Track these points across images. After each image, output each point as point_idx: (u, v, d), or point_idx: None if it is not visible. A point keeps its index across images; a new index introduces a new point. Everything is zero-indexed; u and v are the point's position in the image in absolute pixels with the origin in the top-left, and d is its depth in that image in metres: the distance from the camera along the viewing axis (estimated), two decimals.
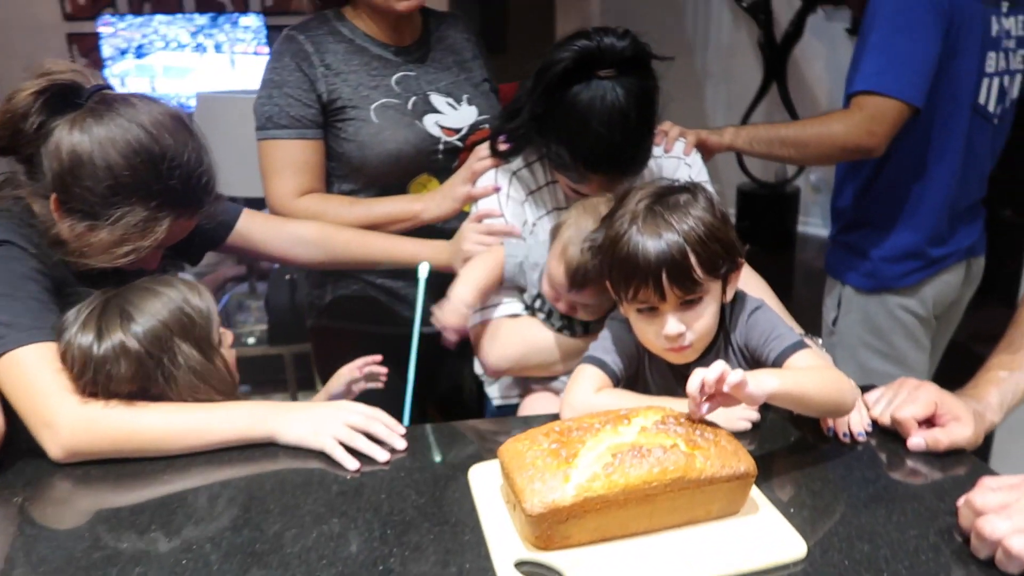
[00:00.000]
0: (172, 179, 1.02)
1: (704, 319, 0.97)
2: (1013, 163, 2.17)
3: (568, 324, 1.21)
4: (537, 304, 1.24)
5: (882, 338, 1.70)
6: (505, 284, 1.24)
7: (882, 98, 1.48)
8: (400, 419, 1.05)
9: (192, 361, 1.02)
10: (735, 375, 0.79)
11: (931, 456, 0.93)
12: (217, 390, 1.05)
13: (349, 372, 1.31)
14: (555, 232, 1.16)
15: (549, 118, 1.14)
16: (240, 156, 2.23)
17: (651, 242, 0.92)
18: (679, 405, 0.91)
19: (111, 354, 0.98)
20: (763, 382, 0.81)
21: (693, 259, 0.92)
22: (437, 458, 1.00)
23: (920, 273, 1.67)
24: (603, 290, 1.06)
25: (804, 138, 1.59)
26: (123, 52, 5.02)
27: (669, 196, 0.96)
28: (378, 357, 1.30)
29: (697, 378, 0.80)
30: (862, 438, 0.97)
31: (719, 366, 0.80)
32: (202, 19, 5.55)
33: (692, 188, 0.98)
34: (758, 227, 4.60)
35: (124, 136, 1.00)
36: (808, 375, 0.91)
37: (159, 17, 5.55)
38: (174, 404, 1.01)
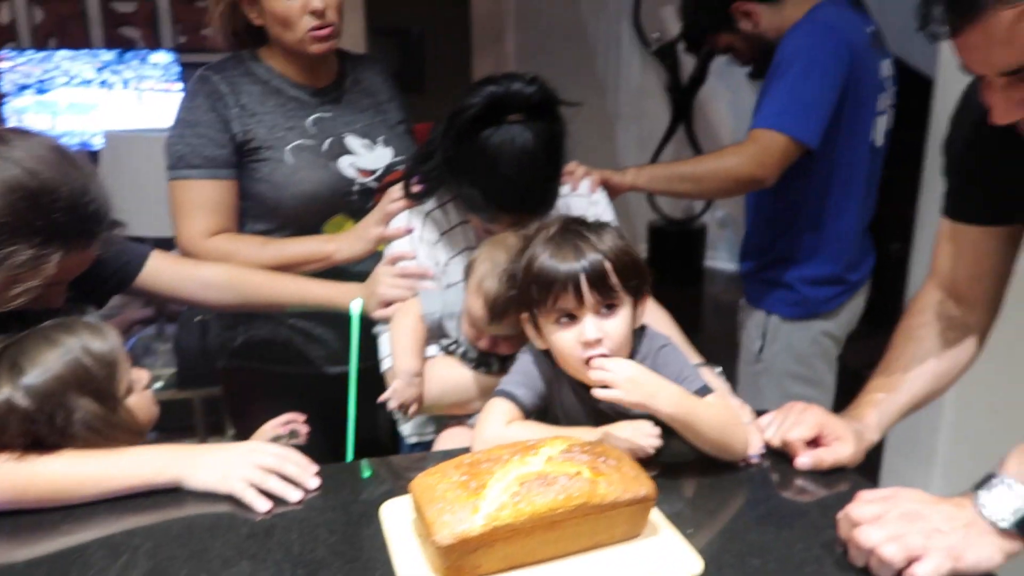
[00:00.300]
0: (55, 213, 0.99)
1: (620, 328, 1.00)
2: (900, 199, 2.34)
3: (484, 361, 1.23)
4: (452, 347, 1.26)
5: (805, 363, 1.81)
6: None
7: (776, 134, 1.61)
8: (344, 456, 1.05)
9: (88, 415, 0.98)
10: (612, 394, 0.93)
11: (817, 474, 0.99)
12: (119, 441, 1.01)
13: (272, 429, 1.27)
14: (468, 270, 1.18)
15: (461, 161, 1.18)
16: (149, 195, 2.19)
17: (570, 254, 0.98)
18: (587, 435, 0.95)
19: None
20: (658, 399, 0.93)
21: (609, 267, 0.98)
22: (350, 496, 1.00)
23: (841, 297, 1.81)
24: (519, 319, 1.10)
25: (699, 173, 1.70)
26: (23, 88, 4.83)
27: (580, 224, 1.03)
28: (301, 416, 1.27)
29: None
30: (755, 460, 1.03)
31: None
32: (108, 55, 5.42)
33: (599, 222, 1.05)
34: (668, 262, 4.76)
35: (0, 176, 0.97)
36: (707, 410, 0.98)
37: (62, 52, 5.38)
38: (75, 451, 0.98)
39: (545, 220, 1.15)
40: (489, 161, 1.14)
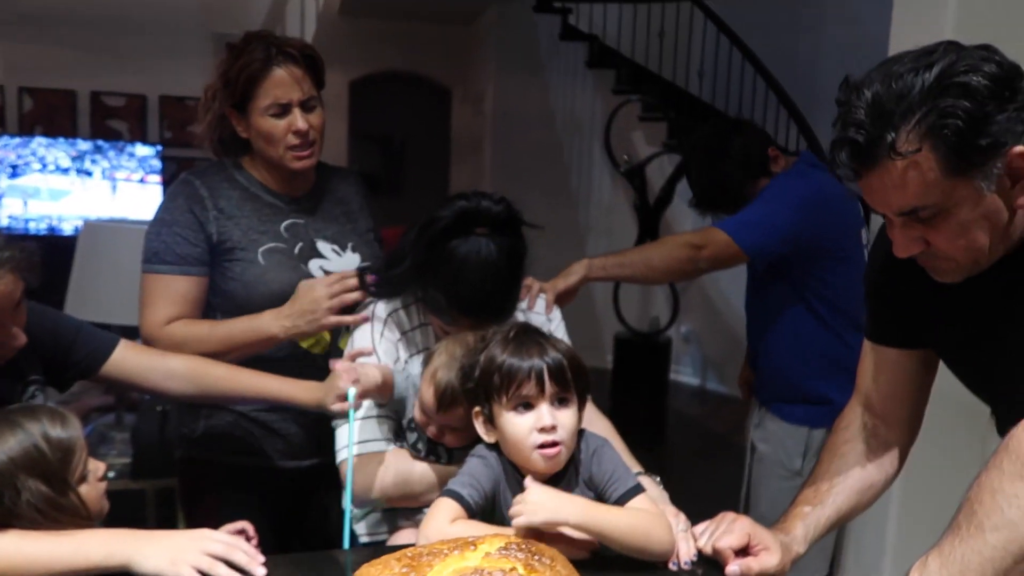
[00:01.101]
0: None
1: (571, 420, 1.09)
2: None
3: (433, 450, 1.28)
4: (406, 435, 1.30)
5: None
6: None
7: (720, 232, 1.83)
8: (341, 543, 1.09)
9: (37, 497, 1.00)
10: (527, 519, 1.01)
11: None
12: (65, 525, 1.03)
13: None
14: (427, 360, 1.25)
15: (429, 266, 1.26)
16: (122, 285, 2.24)
17: (533, 352, 1.09)
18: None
19: None
20: (563, 512, 1.02)
21: (566, 363, 1.09)
22: None
23: None
24: (468, 414, 1.16)
25: (646, 254, 1.91)
26: None
27: (536, 331, 1.14)
28: (251, 527, 1.23)
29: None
30: (687, 566, 1.07)
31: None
32: (85, 144, 5.54)
33: (551, 335, 1.16)
34: (633, 375, 4.82)
35: None
36: (623, 516, 1.06)
37: (39, 139, 5.51)
38: (23, 532, 0.99)
39: (502, 326, 1.23)
40: (455, 268, 1.22)
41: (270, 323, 1.45)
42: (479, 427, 1.13)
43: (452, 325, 1.28)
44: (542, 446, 1.07)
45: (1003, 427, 1.12)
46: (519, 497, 1.05)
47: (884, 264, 1.13)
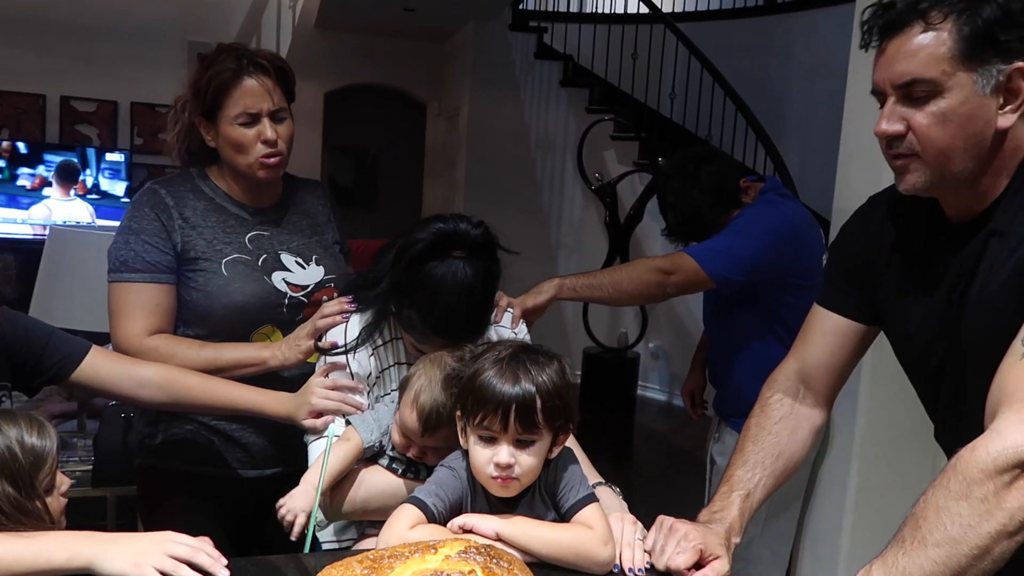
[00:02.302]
0: None
1: (532, 460, 1.10)
2: None
3: (412, 468, 1.28)
4: (381, 455, 1.31)
5: None
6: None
7: (689, 259, 1.89)
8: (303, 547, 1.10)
9: (3, 499, 1.01)
10: (464, 517, 1.07)
11: None
12: (26, 528, 1.03)
13: None
14: (404, 384, 1.26)
15: (405, 286, 1.27)
16: (89, 291, 2.23)
17: (508, 382, 1.08)
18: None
19: None
20: (490, 523, 1.07)
21: (539, 405, 1.08)
22: None
23: None
24: (452, 434, 1.17)
25: (616, 277, 1.93)
26: None
27: (531, 353, 1.13)
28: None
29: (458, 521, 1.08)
30: (631, 574, 1.10)
31: (464, 519, 1.08)
32: (53, 149, 5.50)
33: (551, 354, 1.15)
34: (601, 389, 4.87)
35: None
36: (548, 532, 1.09)
37: (6, 143, 5.44)
38: None
39: (502, 340, 1.26)
40: (431, 289, 1.24)
41: (260, 349, 1.47)
42: (459, 431, 1.15)
43: (424, 343, 1.30)
44: (498, 477, 1.09)
45: (936, 425, 1.18)
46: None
47: (856, 234, 1.21)
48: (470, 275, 1.24)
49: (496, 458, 1.08)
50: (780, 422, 1.26)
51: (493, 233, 1.30)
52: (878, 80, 1.03)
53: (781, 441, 1.25)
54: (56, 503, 1.10)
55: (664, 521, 1.14)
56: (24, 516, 1.03)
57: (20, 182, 5.48)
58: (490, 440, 1.09)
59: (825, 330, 1.26)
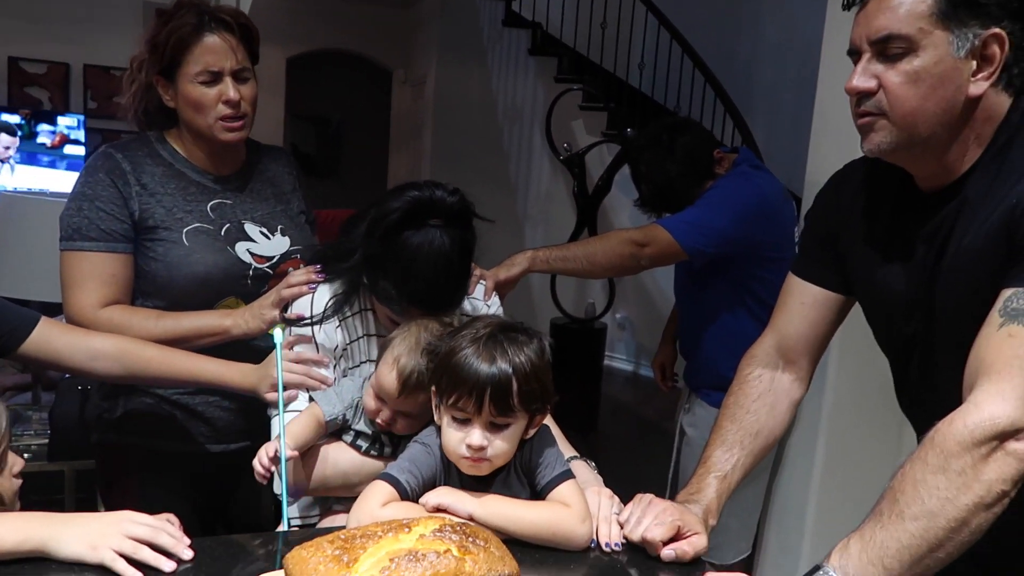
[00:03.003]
0: None
1: (506, 444, 1.08)
2: None
3: (377, 440, 1.26)
4: (343, 428, 1.28)
5: None
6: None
7: (664, 231, 1.88)
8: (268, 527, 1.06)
9: None
10: (438, 497, 1.05)
11: (675, 566, 1.06)
12: None
13: None
14: (386, 344, 1.22)
15: (380, 257, 1.23)
16: (38, 260, 2.15)
17: (484, 363, 1.04)
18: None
19: None
20: (465, 504, 1.05)
21: (515, 388, 1.05)
22: (223, 569, 1.00)
23: None
24: (426, 403, 1.15)
25: (590, 250, 1.92)
26: None
27: (511, 331, 1.10)
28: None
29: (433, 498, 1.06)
30: (608, 549, 1.09)
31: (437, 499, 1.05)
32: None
33: (531, 332, 1.12)
34: (568, 360, 4.87)
35: None
36: (524, 511, 1.07)
37: None
38: None
39: (482, 315, 1.23)
40: (407, 259, 1.20)
41: (221, 317, 1.42)
42: (433, 408, 1.12)
43: (401, 315, 1.27)
44: (469, 458, 1.07)
45: (904, 394, 1.18)
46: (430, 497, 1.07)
47: (829, 203, 1.21)
48: (447, 244, 1.21)
49: (469, 440, 1.06)
50: (759, 399, 1.25)
51: (469, 201, 1.26)
52: (855, 37, 1.02)
53: (760, 419, 1.24)
54: (8, 484, 1.04)
55: (643, 497, 1.13)
56: None
57: None
58: (464, 421, 1.07)
59: (804, 301, 1.25)
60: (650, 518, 1.08)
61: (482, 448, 1.06)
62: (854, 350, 1.91)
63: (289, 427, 1.20)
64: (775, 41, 5.19)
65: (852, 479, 2.05)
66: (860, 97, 1.02)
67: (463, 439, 1.06)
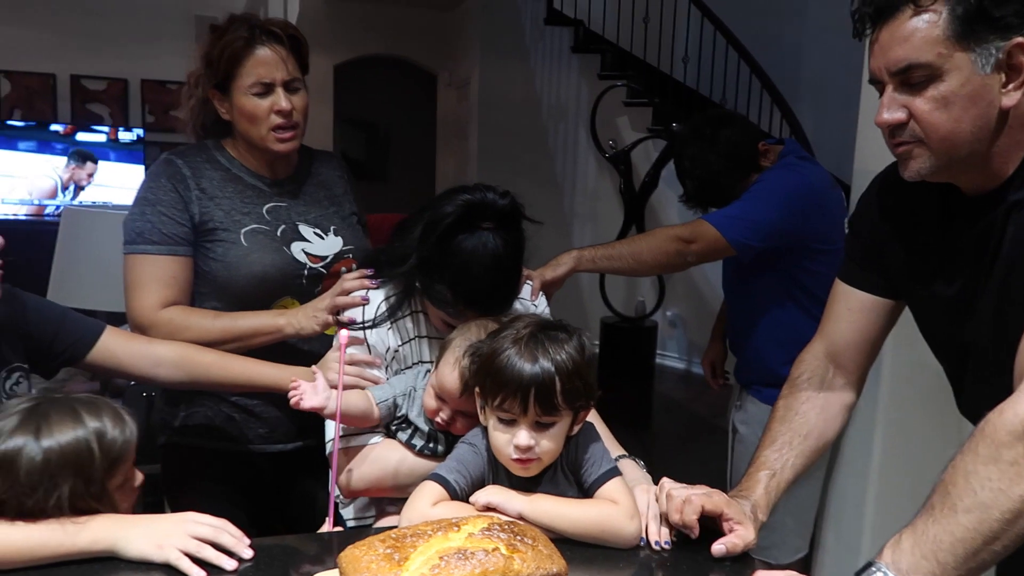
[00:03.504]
0: None
1: (552, 442, 1.09)
2: None
3: (433, 439, 1.28)
4: (400, 428, 1.31)
5: None
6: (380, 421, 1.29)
7: (711, 227, 1.85)
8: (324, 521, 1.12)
9: (63, 502, 1.00)
10: (487, 496, 1.07)
11: (721, 560, 1.05)
12: None
13: None
14: (446, 345, 1.24)
15: (434, 261, 1.25)
16: (103, 271, 2.23)
17: (527, 363, 1.06)
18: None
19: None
20: (514, 502, 1.07)
21: (559, 386, 1.06)
22: (281, 569, 1.03)
23: None
24: None
25: (636, 248, 1.90)
26: None
27: (551, 330, 1.11)
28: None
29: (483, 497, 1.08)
30: (658, 547, 1.09)
31: (487, 498, 1.07)
32: (65, 128, 5.51)
33: (571, 329, 1.13)
34: (619, 358, 4.85)
35: None
36: (573, 509, 1.08)
37: (18, 123, 5.48)
38: (9, 520, 0.99)
39: (522, 314, 1.24)
40: (461, 262, 1.22)
41: (275, 316, 1.46)
42: (479, 409, 1.14)
43: (456, 317, 1.29)
44: (518, 459, 1.08)
45: (962, 397, 1.15)
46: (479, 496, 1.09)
47: (872, 210, 1.18)
48: (500, 246, 1.23)
49: (516, 440, 1.07)
50: (808, 402, 1.24)
51: (518, 202, 1.28)
52: (874, 68, 1.00)
53: (809, 421, 1.22)
54: (127, 498, 1.09)
55: (666, 483, 1.13)
56: (84, 514, 1.02)
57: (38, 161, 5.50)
58: (510, 422, 1.08)
59: (850, 307, 1.23)
60: (695, 502, 1.07)
61: (529, 448, 1.07)
62: (910, 342, 1.86)
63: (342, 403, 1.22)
64: (822, 26, 5.07)
65: (912, 474, 2.00)
66: (892, 128, 1.00)
67: (510, 440, 1.08)
